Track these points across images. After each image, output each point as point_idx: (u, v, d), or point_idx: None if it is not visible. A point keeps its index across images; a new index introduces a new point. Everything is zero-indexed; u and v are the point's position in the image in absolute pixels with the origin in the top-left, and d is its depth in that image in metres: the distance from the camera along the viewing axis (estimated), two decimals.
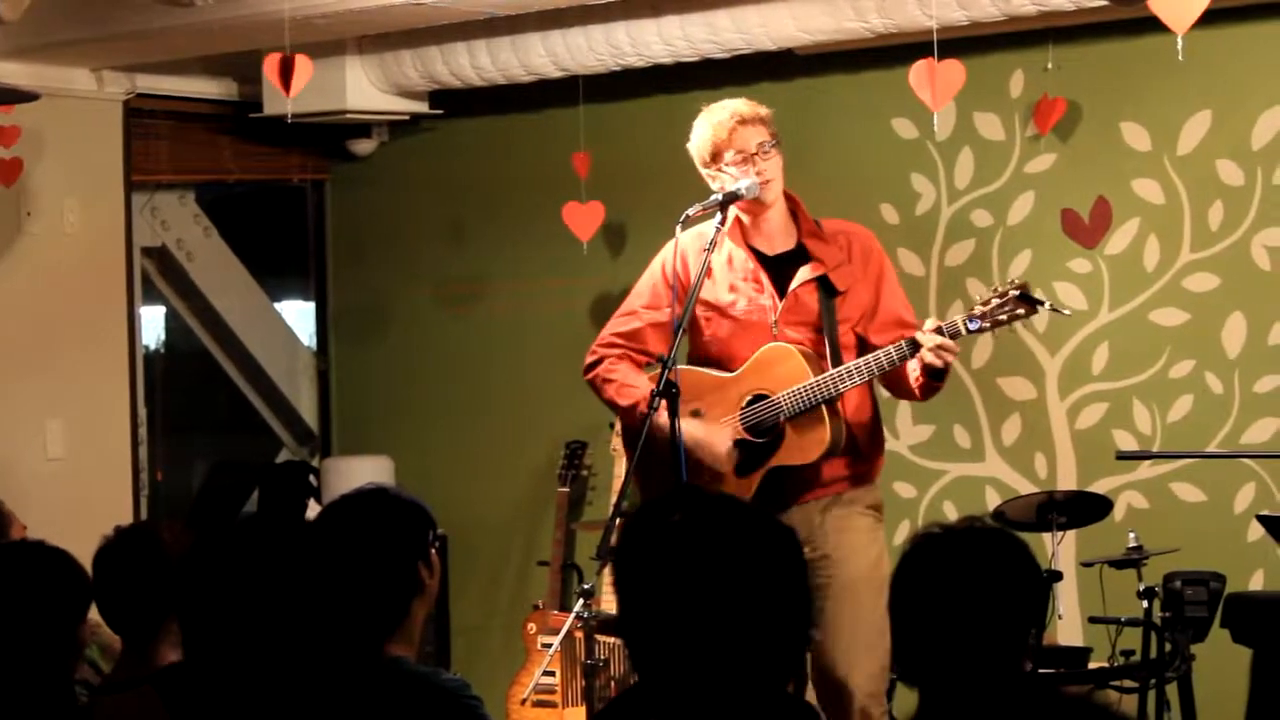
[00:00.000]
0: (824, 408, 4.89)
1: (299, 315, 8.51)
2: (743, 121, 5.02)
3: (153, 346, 8.16)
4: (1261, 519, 5.28)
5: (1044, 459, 6.44)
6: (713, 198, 5.04)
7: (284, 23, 5.97)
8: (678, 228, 4.96)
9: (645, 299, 5.17)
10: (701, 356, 5.14)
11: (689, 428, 4.93)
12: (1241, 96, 6.07)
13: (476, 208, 7.75)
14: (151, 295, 8.01)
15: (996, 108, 6.47)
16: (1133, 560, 5.35)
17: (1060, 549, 5.41)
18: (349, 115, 7.35)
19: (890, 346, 4.85)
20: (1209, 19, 4.64)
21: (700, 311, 5.07)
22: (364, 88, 7.27)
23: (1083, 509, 5.47)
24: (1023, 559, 2.89)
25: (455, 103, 7.50)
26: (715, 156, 5.02)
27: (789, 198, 5.10)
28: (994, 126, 6.50)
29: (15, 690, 3.43)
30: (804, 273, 5.00)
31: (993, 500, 6.30)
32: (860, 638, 4.86)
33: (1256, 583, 5.97)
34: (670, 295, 5.02)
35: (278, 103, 6.93)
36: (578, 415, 7.31)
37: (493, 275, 7.71)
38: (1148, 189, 6.23)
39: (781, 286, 5.02)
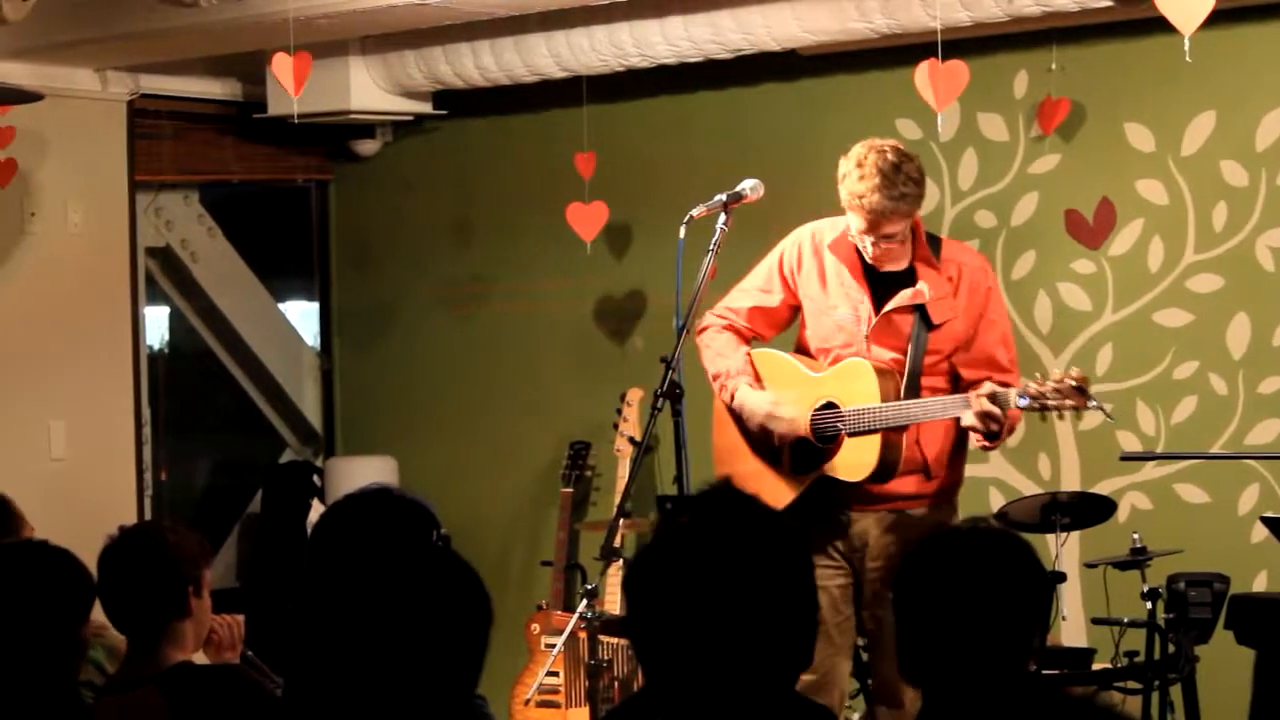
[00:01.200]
0: (881, 436, 4.91)
1: (303, 315, 8.51)
2: (888, 211, 4.87)
3: (156, 347, 8.16)
4: (1265, 520, 5.28)
5: (1048, 460, 6.43)
6: (716, 199, 5.08)
7: (288, 23, 5.97)
8: (681, 229, 4.98)
9: (759, 282, 5.24)
10: (803, 346, 5.20)
11: (772, 396, 5.04)
12: (1245, 97, 6.06)
13: (480, 208, 7.76)
14: (155, 295, 8.01)
15: (1000, 108, 6.47)
16: (1136, 561, 5.34)
17: (1064, 550, 5.40)
18: (353, 115, 7.35)
19: (947, 398, 4.90)
20: (1213, 20, 4.64)
21: (809, 307, 5.14)
22: (368, 88, 7.27)
23: (1086, 510, 5.46)
24: (1027, 560, 2.89)
25: (459, 103, 7.50)
26: (850, 208, 4.96)
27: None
28: (998, 127, 6.50)
29: (18, 690, 3.43)
30: (902, 297, 5.00)
31: (996, 501, 6.29)
32: None
33: (1260, 584, 5.96)
34: (783, 284, 5.13)
35: (282, 103, 6.93)
36: (581, 415, 7.32)
37: (496, 275, 7.71)
38: (1152, 190, 6.23)
39: (881, 304, 5.02)
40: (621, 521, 5.02)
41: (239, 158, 7.90)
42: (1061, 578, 5.26)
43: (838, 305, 5.08)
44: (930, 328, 5.00)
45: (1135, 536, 5.41)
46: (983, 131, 6.52)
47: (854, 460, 4.97)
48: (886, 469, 4.95)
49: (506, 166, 7.67)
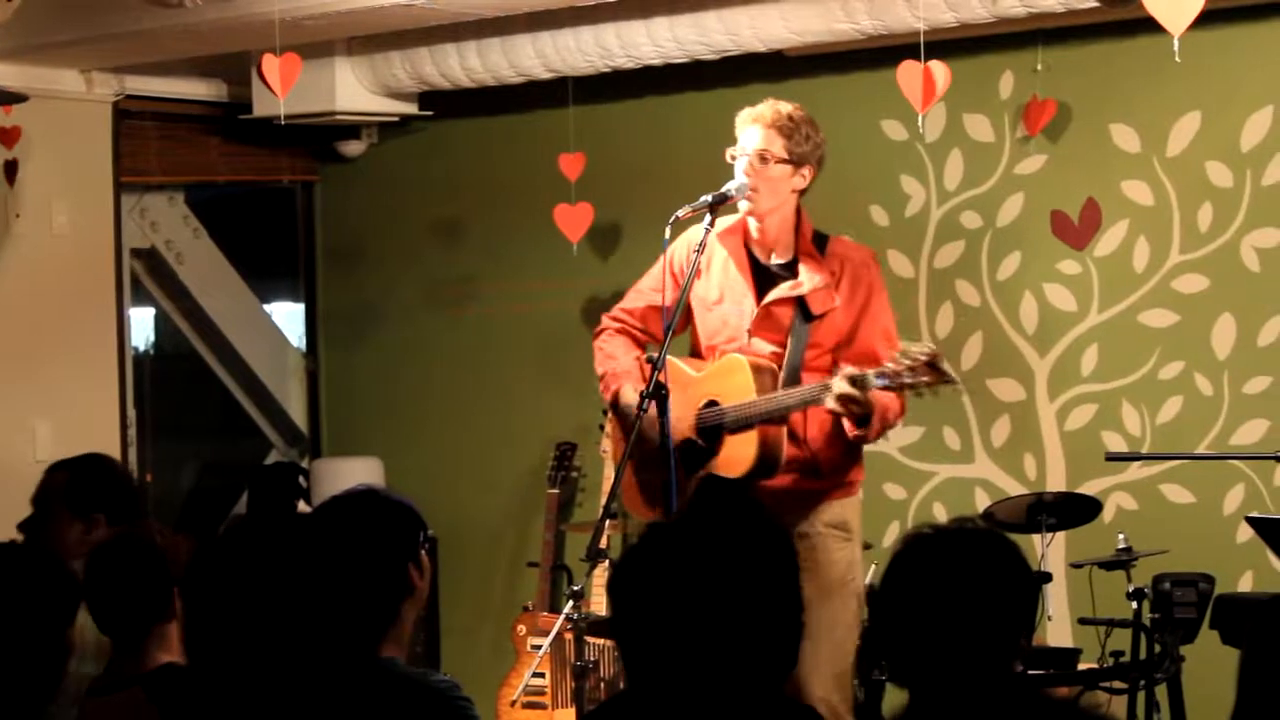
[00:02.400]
0: (758, 430, 4.89)
1: (288, 317, 8.50)
2: (755, 120, 5.05)
3: (142, 348, 8.15)
4: (1250, 520, 5.29)
5: (1033, 460, 6.44)
6: (701, 199, 5.07)
7: (273, 24, 5.96)
8: (667, 229, 4.98)
9: (652, 282, 5.26)
10: (695, 349, 5.20)
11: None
12: (1230, 98, 6.07)
13: (466, 209, 7.75)
14: (141, 297, 8.00)
15: (986, 109, 6.48)
16: (1122, 562, 5.35)
17: (1049, 550, 5.41)
18: (338, 116, 7.34)
19: (812, 385, 4.85)
20: (1198, 20, 4.64)
21: (696, 304, 5.14)
22: (353, 89, 7.26)
23: (1072, 510, 5.47)
24: (1013, 560, 2.89)
25: (445, 104, 7.50)
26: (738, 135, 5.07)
27: (797, 212, 5.10)
28: (983, 128, 6.50)
29: (5, 693, 3.42)
30: (781, 289, 5.02)
31: (982, 501, 6.30)
32: (822, 648, 4.87)
33: (1246, 584, 5.98)
34: (674, 283, 5.11)
35: (267, 104, 6.92)
36: (567, 417, 7.32)
37: (482, 277, 7.70)
38: (1137, 190, 6.24)
39: (764, 297, 5.04)
40: (607, 523, 5.01)
41: (224, 159, 7.89)
42: (1047, 578, 5.27)
43: (723, 300, 5.09)
44: (809, 319, 4.99)
45: (1121, 537, 5.42)
46: (968, 132, 6.53)
47: (735, 456, 4.96)
48: (766, 463, 4.91)
49: (492, 167, 7.66)
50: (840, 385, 4.71)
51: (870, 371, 4.72)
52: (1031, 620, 2.92)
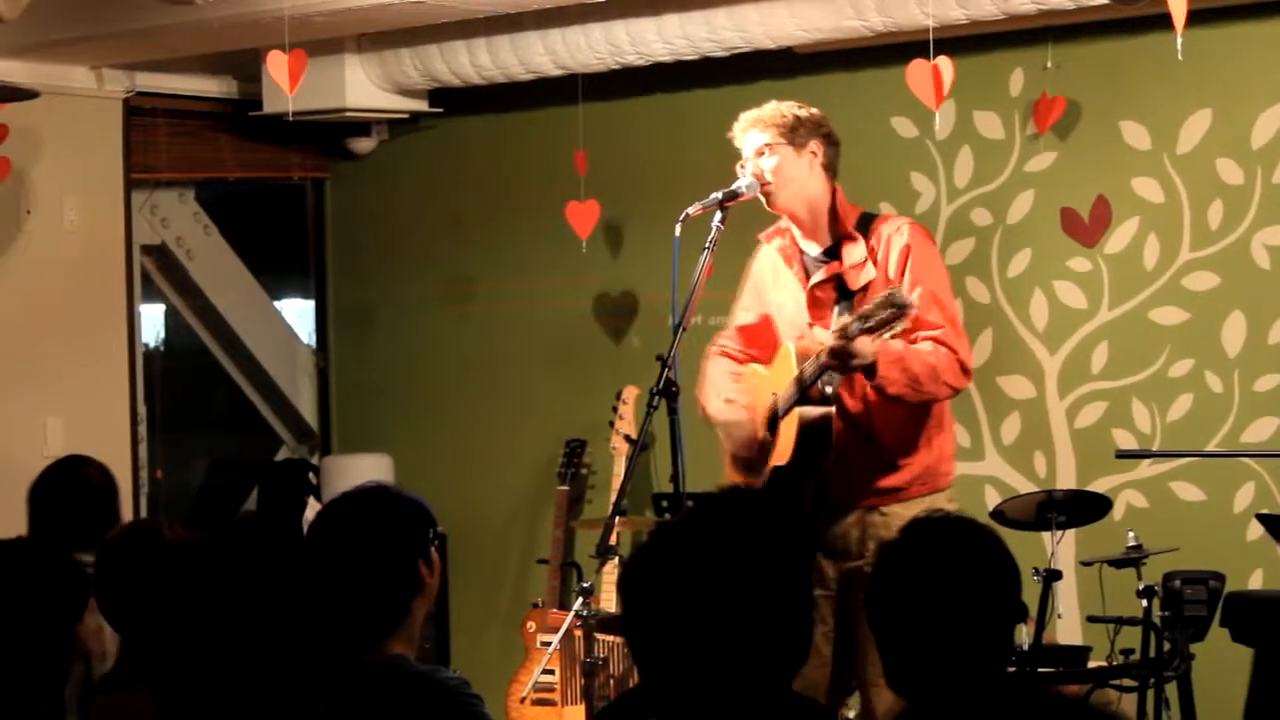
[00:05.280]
0: (796, 412, 4.85)
1: (299, 313, 8.51)
2: (750, 126, 5.04)
3: (152, 344, 8.16)
4: (1261, 518, 5.29)
5: (1043, 458, 6.44)
6: (711, 196, 5.06)
7: (283, 21, 5.97)
8: (677, 227, 4.98)
9: (742, 300, 5.24)
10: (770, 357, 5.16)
11: (731, 413, 5.01)
12: (1241, 95, 6.07)
13: (476, 206, 7.76)
14: (151, 293, 8.01)
15: (996, 106, 6.48)
16: (1132, 559, 5.34)
17: (1060, 548, 5.40)
18: (349, 113, 7.35)
19: (820, 353, 4.81)
20: (1209, 18, 4.65)
21: (773, 314, 5.10)
22: (364, 86, 7.27)
23: (1082, 508, 5.47)
24: (990, 545, 2.86)
25: (455, 101, 7.50)
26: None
27: (832, 197, 5.05)
28: (994, 125, 6.50)
29: (10, 689, 3.43)
30: (820, 274, 5.01)
31: (992, 499, 6.29)
32: None
33: (1256, 582, 5.97)
34: (757, 299, 5.12)
35: (278, 101, 6.93)
36: (577, 413, 7.32)
37: (492, 273, 7.71)
38: (1147, 188, 6.23)
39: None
40: (617, 519, 5.01)
41: (235, 155, 7.90)
42: (1057, 575, 5.27)
43: (784, 302, 5.07)
44: (849, 295, 4.96)
45: (1131, 534, 5.41)
46: (979, 129, 6.52)
47: (781, 444, 4.92)
48: (808, 446, 4.82)
49: (502, 164, 7.67)
50: (828, 338, 4.67)
51: (853, 319, 4.62)
52: (1017, 606, 2.89)
